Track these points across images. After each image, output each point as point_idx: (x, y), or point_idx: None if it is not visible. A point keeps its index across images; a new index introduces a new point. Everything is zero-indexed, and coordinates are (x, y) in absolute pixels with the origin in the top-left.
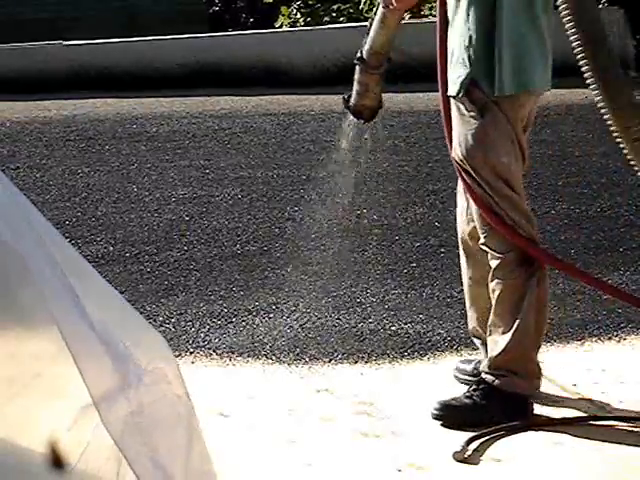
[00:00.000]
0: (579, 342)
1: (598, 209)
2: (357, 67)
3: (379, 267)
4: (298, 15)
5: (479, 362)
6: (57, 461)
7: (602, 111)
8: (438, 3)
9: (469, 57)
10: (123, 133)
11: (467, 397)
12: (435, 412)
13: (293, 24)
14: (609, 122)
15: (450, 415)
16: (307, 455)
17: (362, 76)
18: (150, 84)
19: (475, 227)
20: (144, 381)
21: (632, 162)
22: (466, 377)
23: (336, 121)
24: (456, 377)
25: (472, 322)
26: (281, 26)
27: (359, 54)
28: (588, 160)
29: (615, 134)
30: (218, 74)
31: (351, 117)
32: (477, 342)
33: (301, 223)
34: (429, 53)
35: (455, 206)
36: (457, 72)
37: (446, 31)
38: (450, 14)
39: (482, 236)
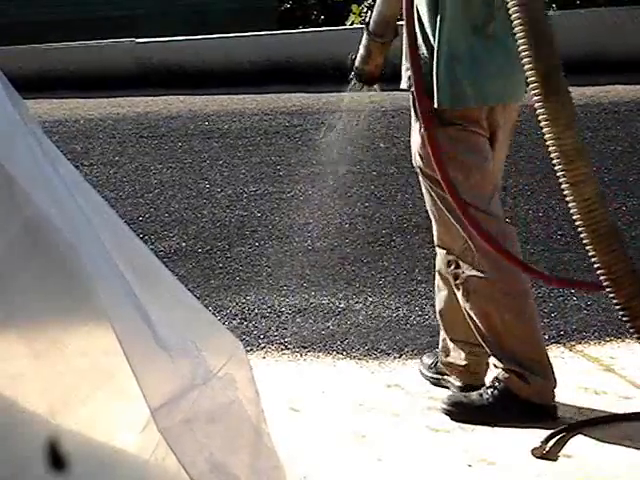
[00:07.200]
0: None
1: None
2: (364, 32)
3: None
4: (369, 13)
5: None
6: (57, 461)
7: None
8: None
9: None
10: (195, 130)
11: (478, 395)
12: (445, 407)
13: (364, 22)
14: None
15: (459, 412)
16: (378, 450)
17: (366, 42)
18: (222, 81)
19: None
20: (211, 385)
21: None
22: (426, 372)
23: (407, 118)
24: (420, 372)
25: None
26: (352, 24)
27: (367, 19)
28: None
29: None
30: (289, 71)
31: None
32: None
33: (372, 219)
34: None
35: (525, 203)
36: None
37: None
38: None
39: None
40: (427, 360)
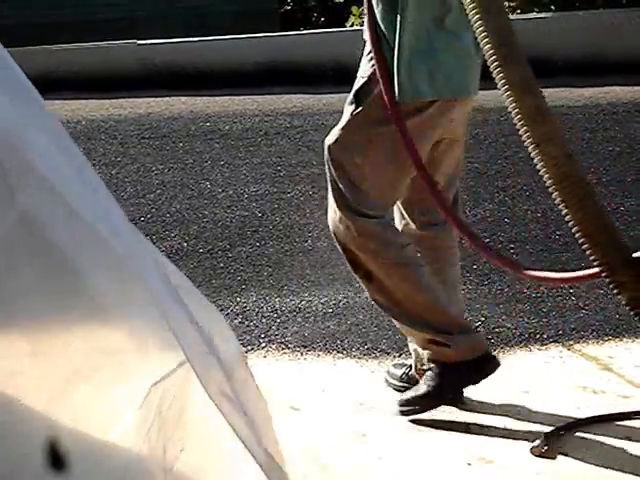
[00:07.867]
0: None
1: None
2: None
3: None
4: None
5: (409, 367)
6: (57, 461)
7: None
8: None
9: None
10: (197, 131)
11: (421, 384)
12: (400, 409)
13: (364, 23)
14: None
15: (412, 408)
16: (378, 449)
17: None
18: (223, 82)
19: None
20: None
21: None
22: (394, 382)
23: None
24: (386, 381)
25: None
26: (352, 25)
27: None
28: None
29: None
30: (290, 72)
31: None
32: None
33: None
34: None
35: (524, 203)
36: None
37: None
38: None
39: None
40: (396, 371)
